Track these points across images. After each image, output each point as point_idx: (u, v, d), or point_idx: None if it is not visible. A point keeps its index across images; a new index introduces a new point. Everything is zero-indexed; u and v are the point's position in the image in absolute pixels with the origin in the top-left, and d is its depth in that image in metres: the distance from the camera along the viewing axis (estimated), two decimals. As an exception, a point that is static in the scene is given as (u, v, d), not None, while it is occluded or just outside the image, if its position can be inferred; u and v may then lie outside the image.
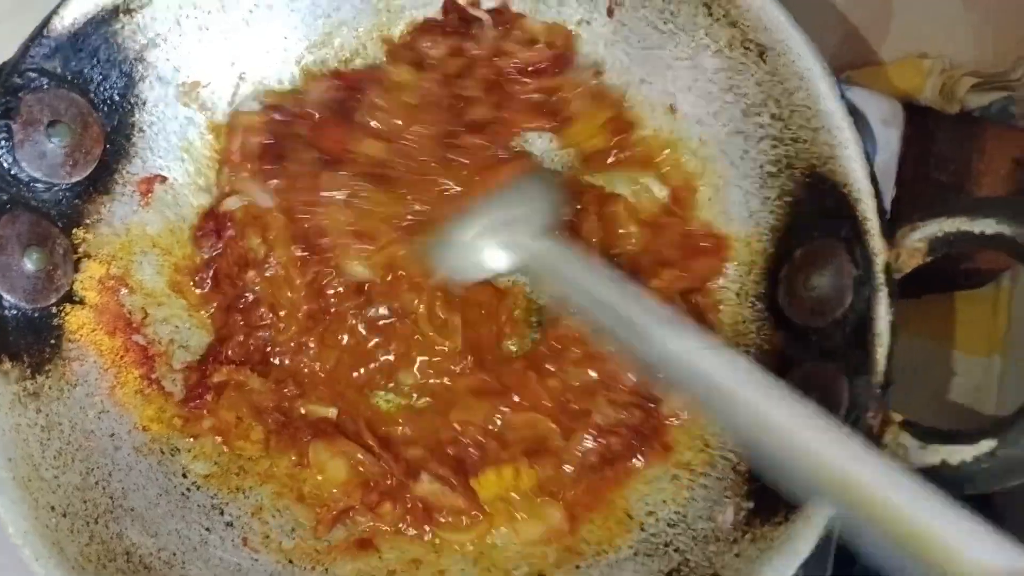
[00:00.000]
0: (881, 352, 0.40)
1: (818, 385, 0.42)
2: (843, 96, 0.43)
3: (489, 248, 0.45)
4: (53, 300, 0.43)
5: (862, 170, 0.42)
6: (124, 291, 0.46)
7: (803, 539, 0.39)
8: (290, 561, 0.44)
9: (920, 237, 0.41)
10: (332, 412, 0.47)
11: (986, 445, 0.36)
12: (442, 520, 0.45)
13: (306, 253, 0.47)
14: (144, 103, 0.47)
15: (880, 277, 0.41)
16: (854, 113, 0.45)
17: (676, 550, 0.43)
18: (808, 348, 0.44)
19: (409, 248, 0.47)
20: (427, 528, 0.45)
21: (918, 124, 0.71)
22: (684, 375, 0.38)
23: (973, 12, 0.69)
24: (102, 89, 0.45)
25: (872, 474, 0.32)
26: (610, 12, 0.49)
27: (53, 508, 0.38)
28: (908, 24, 0.73)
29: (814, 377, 0.43)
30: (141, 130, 0.47)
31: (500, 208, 0.46)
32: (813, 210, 0.45)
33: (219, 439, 0.45)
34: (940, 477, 0.37)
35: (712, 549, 0.41)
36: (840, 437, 0.34)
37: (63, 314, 0.43)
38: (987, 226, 0.38)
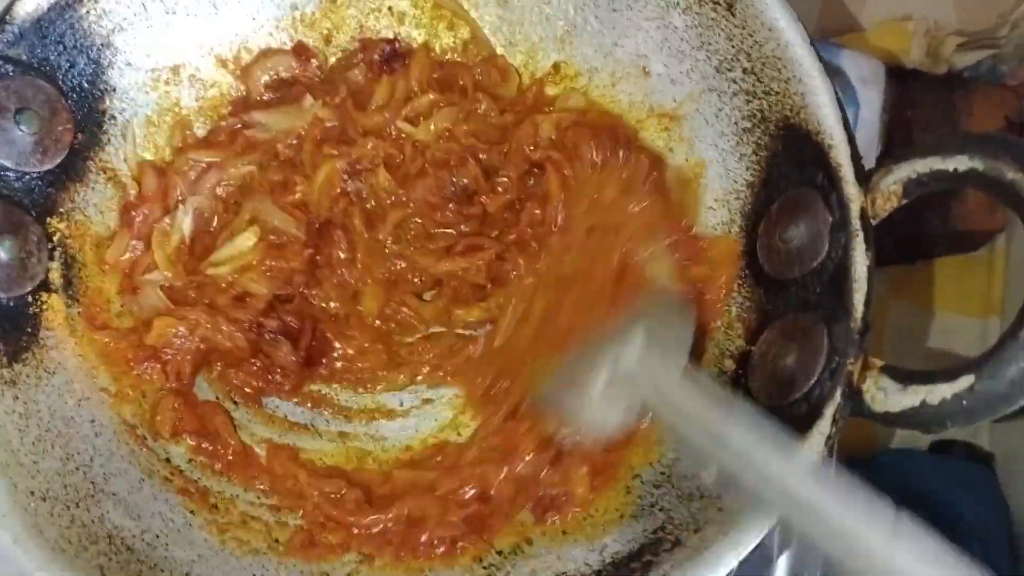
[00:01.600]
0: (859, 297, 0.39)
1: (798, 336, 0.42)
2: (812, 43, 0.43)
3: (625, 398, 0.39)
4: (28, 288, 0.43)
5: (834, 116, 0.42)
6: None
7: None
8: (276, 540, 0.43)
9: (894, 180, 0.40)
10: None
11: (965, 381, 0.35)
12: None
13: None
14: (114, 89, 0.47)
15: (856, 223, 0.40)
16: (833, 72, 0.44)
17: (661, 509, 0.42)
18: (787, 301, 0.43)
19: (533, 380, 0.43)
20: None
21: (904, 87, 0.70)
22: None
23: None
24: (70, 76, 0.45)
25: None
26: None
27: (32, 492, 0.38)
28: (890, -12, 0.72)
29: (794, 328, 0.42)
30: (112, 117, 0.47)
31: (632, 346, 0.39)
32: (789, 162, 0.44)
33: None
34: (920, 417, 0.37)
35: (696, 506, 0.41)
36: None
37: (39, 302, 0.43)
38: (960, 163, 0.38)
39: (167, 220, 0.47)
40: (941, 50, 0.74)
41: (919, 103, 0.73)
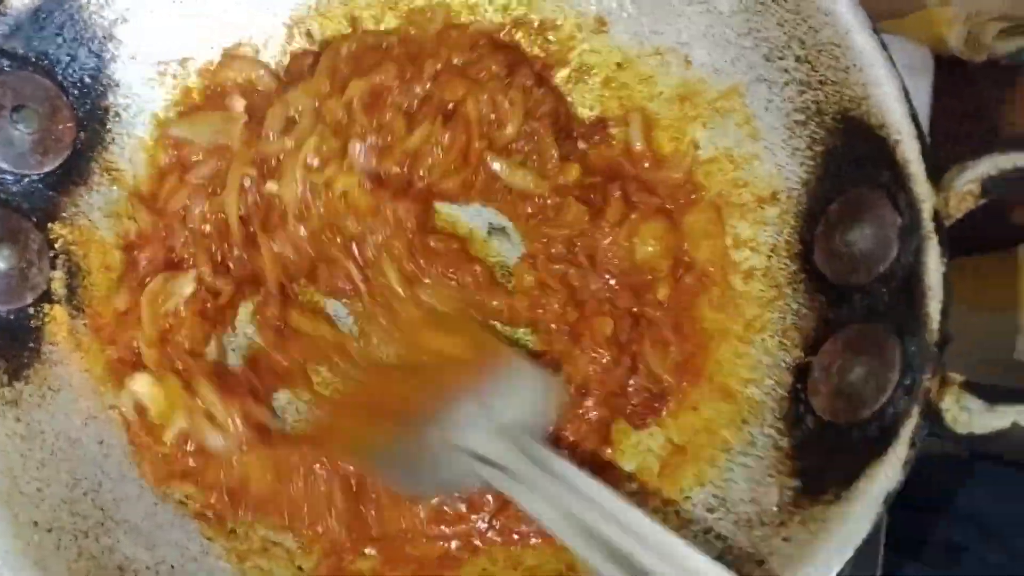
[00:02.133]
0: (934, 307, 0.36)
1: (867, 349, 0.38)
2: (875, 29, 0.40)
3: (466, 458, 0.37)
4: (29, 300, 0.40)
5: (901, 109, 0.39)
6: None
7: (859, 519, 0.35)
8: (300, 568, 0.40)
9: (972, 178, 0.37)
10: None
11: (1064, 401, 0.32)
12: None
13: None
14: (118, 84, 0.43)
15: (929, 225, 0.37)
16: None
17: (717, 536, 0.39)
18: (852, 309, 0.40)
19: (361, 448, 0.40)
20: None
21: (943, 75, 0.67)
22: None
23: (997, -45, 0.65)
24: (71, 71, 0.41)
25: None
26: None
27: (36, 524, 0.35)
28: (928, -26, 0.69)
29: (861, 340, 0.39)
30: (116, 114, 0.43)
31: (483, 405, 0.38)
32: (848, 158, 0.41)
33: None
34: (1011, 440, 0.34)
35: (758, 534, 0.38)
36: None
37: (41, 315, 0.40)
38: (1049, 158, 0.35)
39: (164, 280, 0.43)
40: (982, 36, 0.70)
41: (959, 92, 0.70)
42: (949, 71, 0.68)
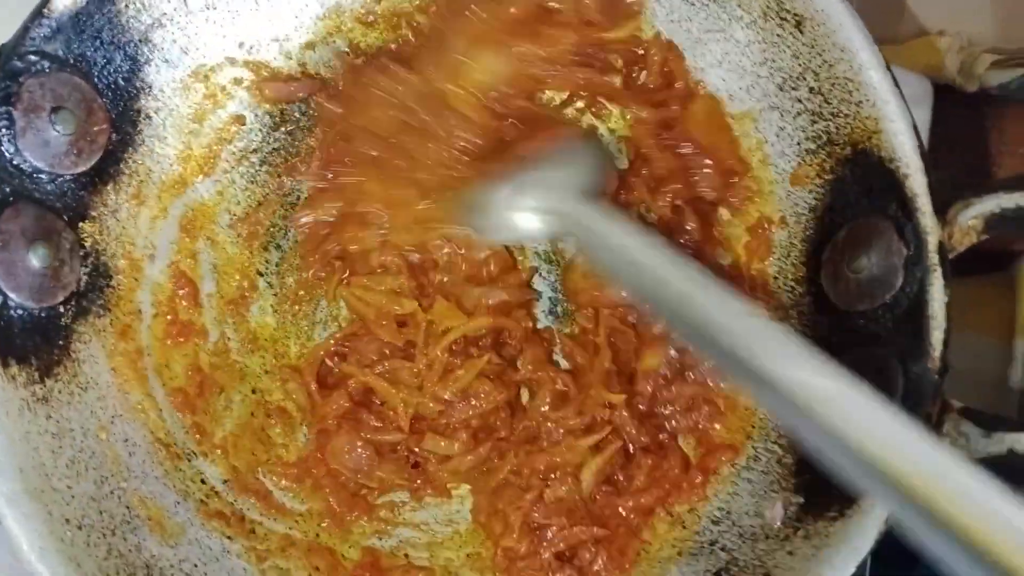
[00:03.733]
0: (937, 336, 0.38)
1: (869, 372, 0.40)
2: (888, 68, 0.41)
3: (523, 210, 0.41)
4: (60, 299, 0.40)
5: (911, 144, 0.40)
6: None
7: (862, 535, 0.37)
8: (316, 568, 0.42)
9: (975, 214, 0.39)
10: None
11: (1058, 430, 0.34)
12: None
13: None
14: (150, 88, 0.44)
15: (933, 257, 0.39)
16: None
17: (723, 548, 0.41)
18: (855, 333, 0.42)
19: (441, 205, 0.44)
20: None
21: (938, 101, 0.69)
22: (726, 348, 0.33)
23: (991, -12, 0.67)
24: (106, 73, 0.42)
25: (937, 467, 0.28)
26: (637, -19, 0.47)
27: (68, 520, 0.36)
28: (924, 2, 0.71)
29: (864, 364, 0.40)
30: (148, 117, 0.44)
31: (539, 170, 0.42)
32: (856, 188, 0.43)
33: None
34: (1008, 466, 0.35)
35: (762, 547, 0.39)
36: (897, 419, 0.29)
37: (71, 313, 0.41)
38: (1050, 200, 0.37)
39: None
40: (975, 67, 0.73)
41: (950, 121, 0.72)
42: (944, 97, 0.70)
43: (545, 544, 0.43)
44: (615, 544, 0.43)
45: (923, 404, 0.37)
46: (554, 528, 0.43)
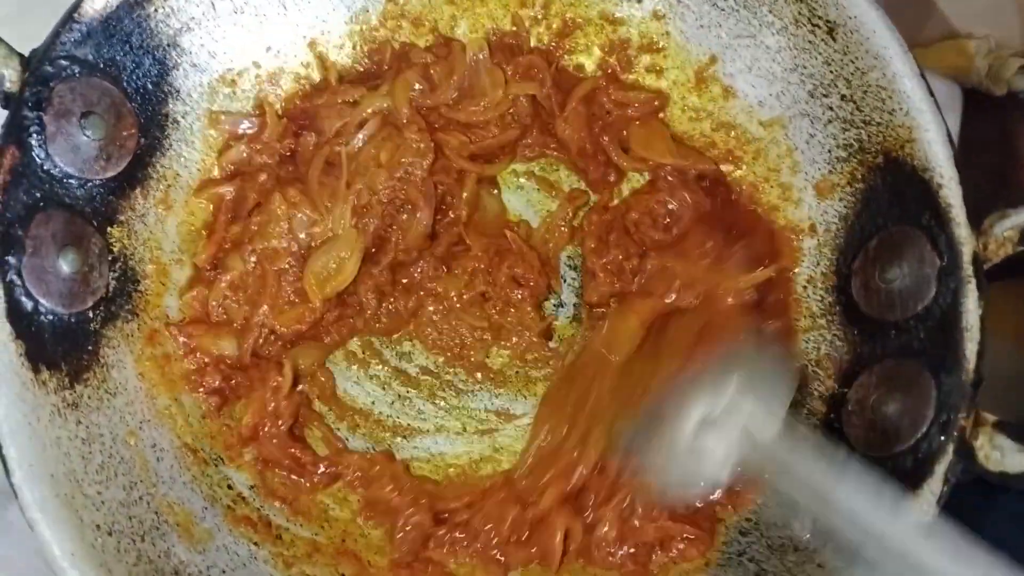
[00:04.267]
0: (971, 348, 0.38)
1: (902, 384, 0.40)
2: (923, 75, 0.41)
3: (716, 449, 0.36)
4: (90, 304, 0.40)
5: (944, 154, 0.40)
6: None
7: (892, 548, 0.36)
8: (342, 575, 0.42)
9: (1012, 225, 0.38)
10: None
11: (1095, 444, 0.33)
12: None
13: None
14: (178, 92, 0.44)
15: (968, 268, 0.38)
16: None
17: (751, 560, 0.41)
18: (887, 343, 0.41)
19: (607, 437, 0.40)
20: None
21: (966, 104, 0.68)
22: None
23: (1019, -9, 0.67)
24: (135, 77, 0.42)
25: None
26: (666, -11, 0.47)
27: (98, 527, 0.36)
28: (954, 4, 0.70)
29: (897, 376, 0.40)
30: (176, 121, 0.44)
31: (722, 393, 0.37)
32: (888, 197, 0.42)
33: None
34: (1043, 481, 0.35)
35: (791, 559, 0.39)
36: None
37: (99, 319, 0.41)
38: (1089, 213, 0.36)
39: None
40: (1003, 71, 0.72)
41: (976, 125, 0.71)
42: (970, 101, 0.70)
43: None
44: None
45: (956, 417, 0.36)
46: None
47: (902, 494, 0.36)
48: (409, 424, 0.47)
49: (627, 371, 0.43)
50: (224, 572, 0.39)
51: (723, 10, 0.46)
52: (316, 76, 0.47)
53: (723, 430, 0.37)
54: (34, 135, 0.38)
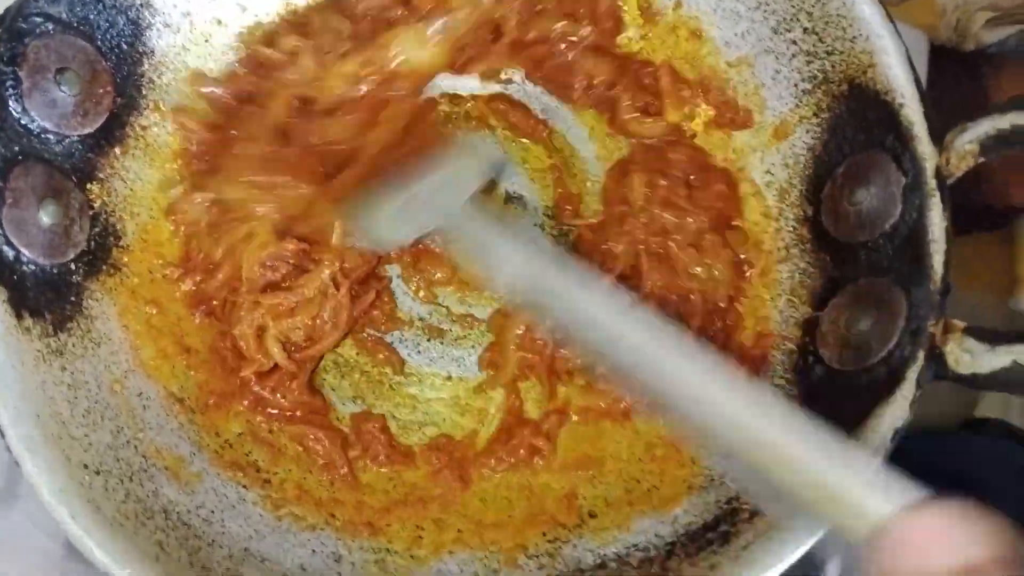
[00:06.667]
0: (938, 259, 0.38)
1: (873, 300, 0.41)
2: (880, 1, 0.42)
3: (412, 218, 0.43)
4: (71, 256, 0.41)
5: (905, 75, 0.41)
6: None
7: (870, 452, 0.37)
8: (332, 515, 0.42)
9: (971, 138, 0.39)
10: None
11: (1061, 340, 0.34)
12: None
13: None
14: (152, 52, 0.45)
15: (931, 183, 0.39)
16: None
17: (733, 479, 0.41)
18: (857, 265, 0.42)
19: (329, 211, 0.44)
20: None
21: (935, 62, 0.69)
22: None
23: (985, -55, 0.67)
24: (109, 36, 0.43)
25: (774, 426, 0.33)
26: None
27: (86, 466, 0.37)
28: (919, -40, 0.71)
29: (868, 294, 0.41)
30: (151, 81, 0.45)
31: (431, 174, 0.44)
32: (853, 124, 0.43)
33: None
34: (1013, 378, 0.36)
35: (771, 475, 0.39)
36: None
37: (81, 271, 0.41)
38: (1045, 117, 0.37)
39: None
40: (970, 25, 0.73)
41: (946, 80, 0.72)
42: (938, 59, 0.71)
43: None
44: None
45: (925, 325, 0.37)
46: None
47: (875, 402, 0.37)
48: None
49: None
50: (213, 512, 0.40)
51: (686, -49, 0.47)
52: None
53: (419, 203, 0.43)
54: (10, 89, 0.39)
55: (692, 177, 0.47)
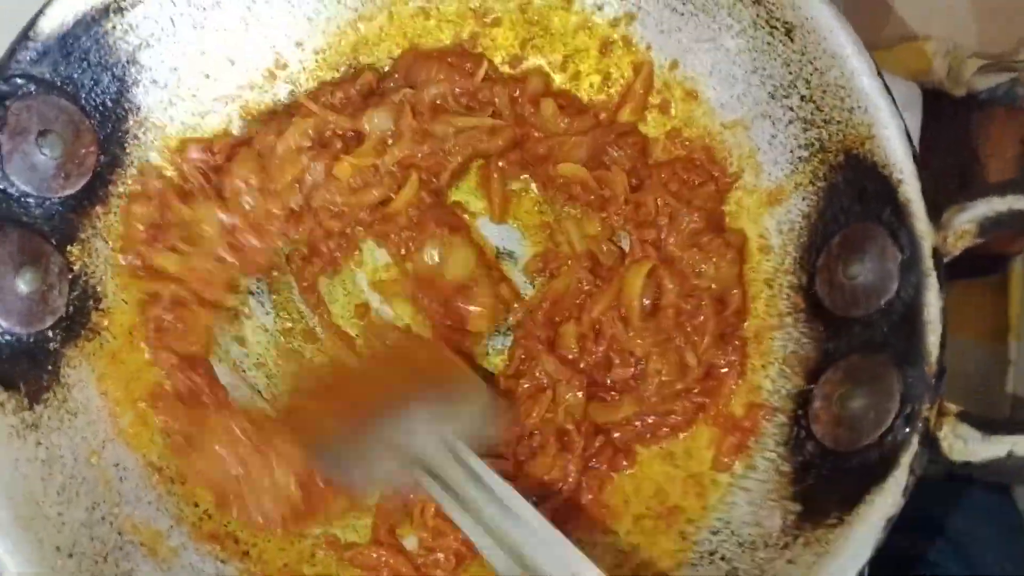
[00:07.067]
0: (933, 340, 0.38)
1: (867, 379, 0.40)
2: (880, 73, 0.42)
3: (403, 460, 0.39)
4: (49, 323, 0.40)
5: (903, 150, 0.40)
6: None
7: (861, 542, 0.37)
8: (313, 589, 0.41)
9: (969, 218, 0.39)
10: None
11: (1056, 433, 0.34)
12: None
13: None
14: (138, 108, 0.44)
15: (928, 261, 0.39)
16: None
17: (723, 558, 0.40)
18: (851, 339, 0.42)
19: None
20: None
21: (927, 105, 0.69)
22: None
23: (976, -6, 0.68)
24: (93, 95, 0.42)
25: None
26: (624, -8, 0.47)
27: (58, 549, 0.36)
28: (911, 6, 0.71)
29: (862, 371, 0.40)
30: (136, 137, 0.44)
31: (434, 414, 0.40)
32: (850, 194, 0.43)
33: None
34: (1005, 468, 0.35)
35: (762, 556, 0.39)
36: None
37: (59, 338, 0.40)
38: (1043, 203, 0.37)
39: None
40: (962, 72, 0.73)
41: (937, 125, 0.72)
42: (931, 101, 0.71)
43: None
44: None
45: (920, 408, 0.37)
46: None
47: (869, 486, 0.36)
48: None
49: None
50: (190, 590, 0.39)
51: (682, 15, 0.46)
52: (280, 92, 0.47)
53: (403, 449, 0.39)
54: (-11, 154, 0.38)
55: (685, 176, 0.47)
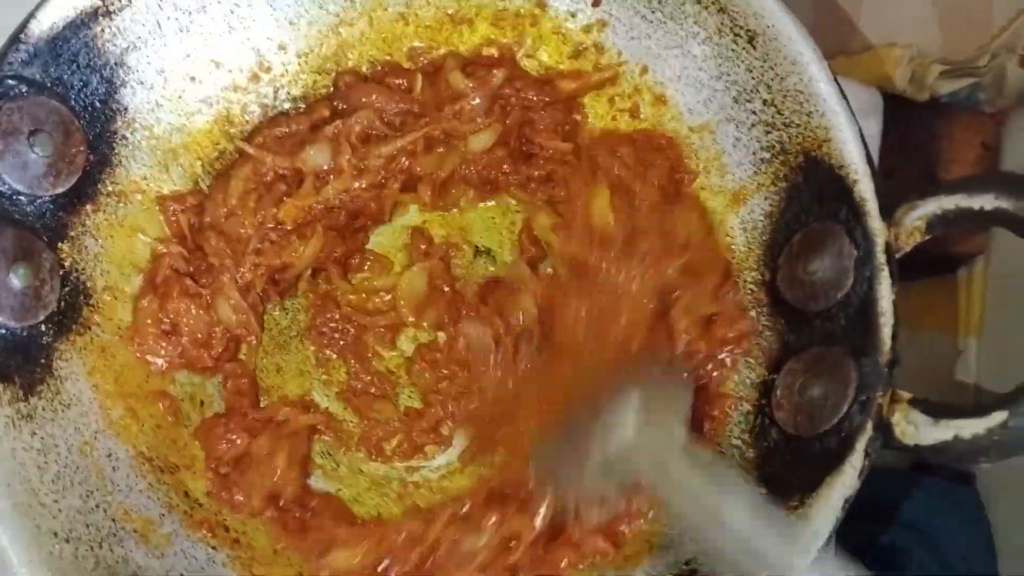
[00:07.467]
0: (886, 331, 0.40)
1: (825, 368, 0.42)
2: (836, 79, 0.44)
3: (621, 472, 0.39)
4: (41, 317, 0.41)
5: (858, 152, 0.43)
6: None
7: (822, 523, 0.39)
8: (300, 574, 0.43)
9: (919, 216, 0.41)
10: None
11: (998, 417, 0.36)
12: None
13: None
14: (126, 109, 0.45)
15: (881, 257, 0.41)
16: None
17: (691, 539, 0.42)
18: (811, 332, 0.44)
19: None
20: None
21: (889, 111, 0.72)
22: None
23: (939, 2, 0.71)
24: (83, 96, 0.43)
25: None
26: (596, 2, 0.49)
27: (56, 534, 0.37)
28: (876, 14, 0.73)
29: (821, 361, 0.43)
30: (124, 138, 0.45)
31: (628, 416, 0.39)
32: (810, 194, 0.45)
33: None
34: (952, 451, 0.38)
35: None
36: None
37: (52, 332, 0.41)
38: (986, 202, 0.39)
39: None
40: (925, 77, 0.76)
41: (901, 130, 0.75)
42: (895, 107, 0.73)
43: None
44: None
45: (874, 396, 0.39)
46: None
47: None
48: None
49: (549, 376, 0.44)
50: (183, 575, 0.40)
51: (652, 22, 0.48)
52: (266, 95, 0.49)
53: (627, 454, 0.39)
54: (-18, 154, 0.39)
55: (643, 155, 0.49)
